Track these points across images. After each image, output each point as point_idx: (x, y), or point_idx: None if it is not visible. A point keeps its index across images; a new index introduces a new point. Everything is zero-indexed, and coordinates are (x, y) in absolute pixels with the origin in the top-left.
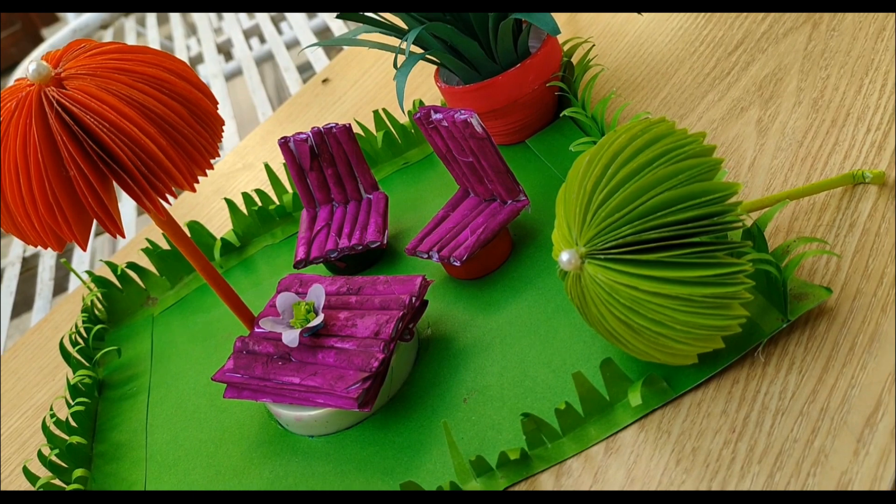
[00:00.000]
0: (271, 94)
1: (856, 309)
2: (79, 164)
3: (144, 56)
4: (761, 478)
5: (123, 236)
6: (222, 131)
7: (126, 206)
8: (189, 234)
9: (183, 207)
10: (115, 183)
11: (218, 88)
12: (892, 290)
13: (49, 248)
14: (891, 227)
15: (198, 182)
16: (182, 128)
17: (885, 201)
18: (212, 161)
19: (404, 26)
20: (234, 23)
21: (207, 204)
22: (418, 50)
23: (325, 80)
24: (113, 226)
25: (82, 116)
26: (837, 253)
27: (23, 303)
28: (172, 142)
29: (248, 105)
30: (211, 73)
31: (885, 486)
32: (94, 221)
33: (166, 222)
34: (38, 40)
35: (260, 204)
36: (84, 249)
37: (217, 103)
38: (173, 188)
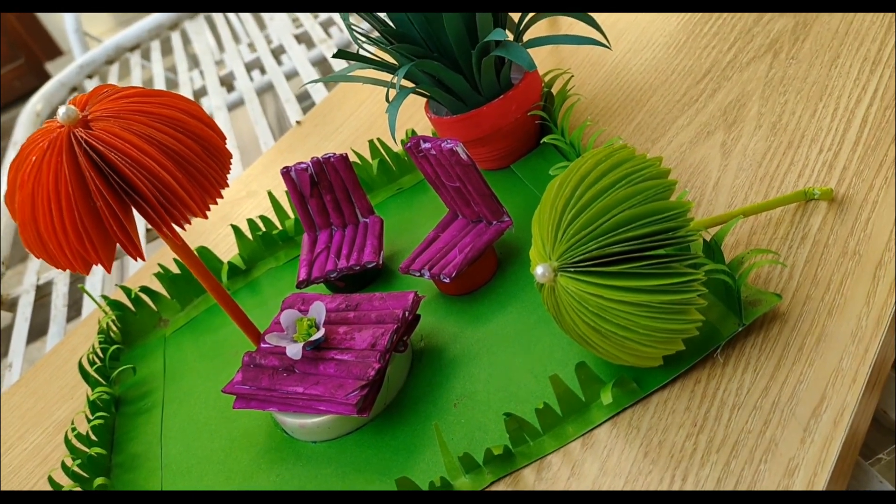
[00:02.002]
0: (272, 124)
1: (805, 313)
2: (104, 195)
3: (161, 99)
4: (719, 466)
5: (143, 259)
6: (230, 164)
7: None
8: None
9: (192, 234)
10: (135, 211)
11: (222, 120)
12: (838, 295)
13: (77, 272)
14: (838, 238)
15: (209, 210)
16: (195, 161)
17: (833, 215)
18: (221, 190)
19: (395, 63)
20: (235, 55)
21: (214, 230)
22: (409, 84)
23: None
24: (135, 249)
25: (107, 154)
26: (785, 263)
27: (37, 329)
28: (187, 174)
29: (250, 135)
30: (215, 105)
31: (827, 468)
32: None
33: (181, 247)
34: (42, 74)
35: (264, 229)
36: (108, 271)
37: (225, 139)
38: (188, 215)
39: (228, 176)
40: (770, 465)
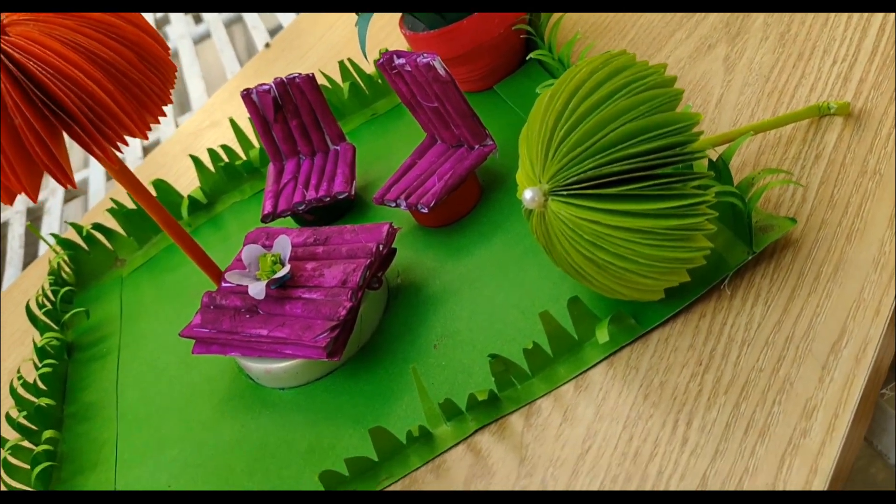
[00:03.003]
0: (242, 55)
1: (821, 239)
2: (24, 112)
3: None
4: (728, 408)
5: (74, 186)
6: (174, 77)
7: (97, 168)
8: (154, 193)
9: (151, 167)
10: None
11: (187, 50)
12: (857, 219)
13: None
14: (856, 157)
15: (150, 129)
16: (131, 73)
17: (850, 132)
18: (163, 108)
19: None
20: None
21: (175, 163)
22: None
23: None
24: (63, 176)
25: (26, 63)
26: (802, 183)
27: None
28: (121, 88)
29: (217, 66)
30: (178, 34)
31: (850, 408)
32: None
33: (120, 172)
34: None
35: (227, 160)
36: (34, 201)
37: (168, 49)
38: (123, 135)
39: (172, 91)
40: (785, 407)
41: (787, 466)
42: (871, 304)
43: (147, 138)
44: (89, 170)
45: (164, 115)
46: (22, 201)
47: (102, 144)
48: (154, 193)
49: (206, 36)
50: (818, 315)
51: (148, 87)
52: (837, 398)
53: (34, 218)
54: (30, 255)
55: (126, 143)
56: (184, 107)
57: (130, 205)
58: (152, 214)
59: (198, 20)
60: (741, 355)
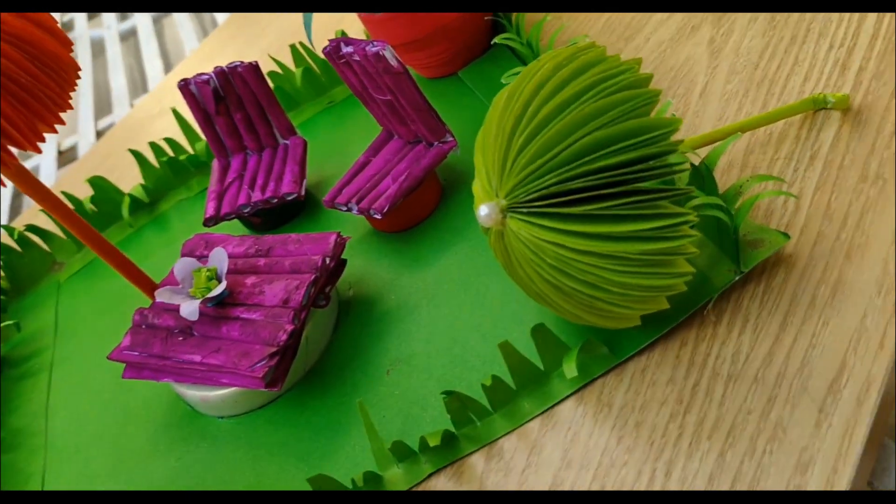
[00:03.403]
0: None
1: (817, 256)
2: None
3: None
4: (711, 456)
5: None
6: (77, 78)
7: (48, 158)
8: (94, 191)
9: (98, 156)
10: None
11: (145, 26)
12: (857, 232)
13: None
14: (855, 158)
15: (43, 141)
16: (19, 77)
17: (849, 129)
18: (62, 115)
19: None
20: None
21: (125, 153)
22: None
23: None
24: None
25: None
26: (795, 194)
27: None
28: (8, 95)
29: (177, 43)
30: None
31: (852, 462)
32: None
33: (24, 185)
34: None
35: (171, 154)
36: None
37: (71, 44)
38: (10, 148)
39: (72, 95)
40: (777, 457)
41: None
42: (874, 335)
43: (40, 151)
44: (39, 159)
45: (61, 122)
46: None
47: None
48: (92, 192)
49: (164, 13)
50: (814, 347)
51: (40, 92)
52: (837, 448)
53: None
54: None
55: (14, 158)
56: (143, 87)
57: (68, 203)
58: (70, 228)
59: None
60: (727, 393)
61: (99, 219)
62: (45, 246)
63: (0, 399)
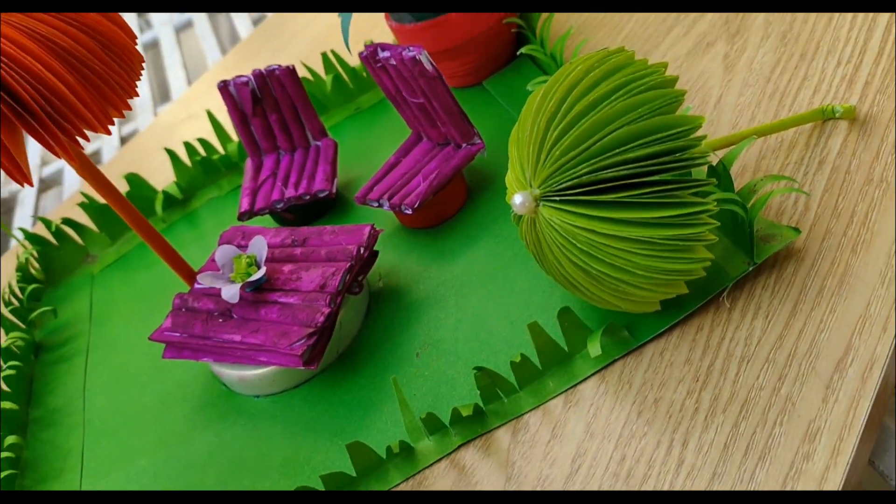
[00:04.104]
0: (225, 44)
1: (825, 250)
2: None
3: None
4: (726, 427)
5: (31, 184)
6: (141, 68)
7: None
8: (127, 187)
9: (123, 161)
10: (21, 126)
11: (168, 38)
12: (863, 229)
13: None
14: (861, 163)
15: (113, 124)
16: (93, 63)
17: (856, 137)
18: (129, 101)
19: None
20: None
21: (151, 156)
22: None
23: None
24: (20, 174)
25: None
26: (806, 191)
27: None
28: (82, 79)
29: (199, 55)
30: (160, 21)
31: (855, 433)
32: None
33: (83, 168)
34: None
35: (204, 154)
36: None
37: (135, 38)
38: (84, 130)
39: (138, 84)
40: (787, 428)
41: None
42: (877, 321)
43: (109, 133)
44: (63, 163)
45: (129, 108)
46: None
47: (60, 140)
48: (127, 188)
49: (188, 24)
50: (822, 331)
51: (111, 78)
52: (842, 420)
53: (7, 209)
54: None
55: (87, 139)
56: (165, 97)
57: (102, 199)
58: (119, 212)
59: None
60: (740, 372)
61: None
62: (78, 239)
63: (35, 381)
